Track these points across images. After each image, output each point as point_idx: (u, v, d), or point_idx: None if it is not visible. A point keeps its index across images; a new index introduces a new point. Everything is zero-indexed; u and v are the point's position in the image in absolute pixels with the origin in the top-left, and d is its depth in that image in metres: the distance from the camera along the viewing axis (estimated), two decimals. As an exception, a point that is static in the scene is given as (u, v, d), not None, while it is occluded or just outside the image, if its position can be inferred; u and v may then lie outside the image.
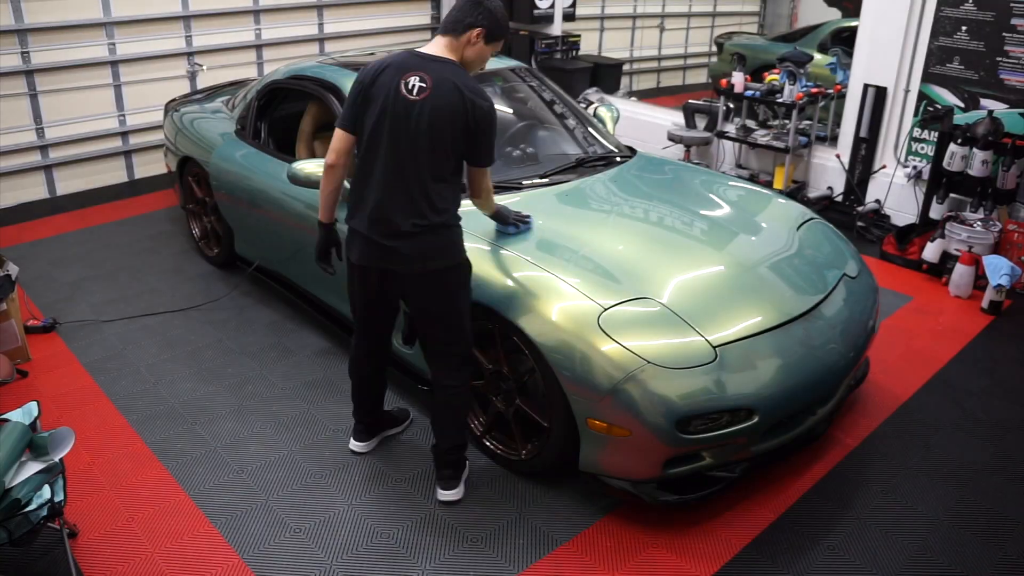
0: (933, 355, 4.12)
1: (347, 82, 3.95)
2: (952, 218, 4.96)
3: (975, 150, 4.85)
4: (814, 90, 5.91)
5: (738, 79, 6.17)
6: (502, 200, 3.57)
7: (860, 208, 5.68)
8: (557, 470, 3.10)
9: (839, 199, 5.91)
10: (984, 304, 4.60)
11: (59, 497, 2.53)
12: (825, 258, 3.47)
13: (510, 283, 2.98)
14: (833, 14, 10.19)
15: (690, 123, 6.81)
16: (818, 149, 6.07)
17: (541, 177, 3.79)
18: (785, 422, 2.96)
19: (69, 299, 4.63)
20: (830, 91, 6.06)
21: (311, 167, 3.61)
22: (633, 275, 3.05)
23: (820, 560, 2.80)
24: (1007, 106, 5.03)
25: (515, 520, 2.97)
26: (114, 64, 6.30)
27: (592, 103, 6.82)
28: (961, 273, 4.73)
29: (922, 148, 5.48)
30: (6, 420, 2.55)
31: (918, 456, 3.35)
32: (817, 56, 8.31)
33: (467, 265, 2.89)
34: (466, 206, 3.48)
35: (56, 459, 2.50)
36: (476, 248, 3.17)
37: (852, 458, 3.33)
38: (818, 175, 6.06)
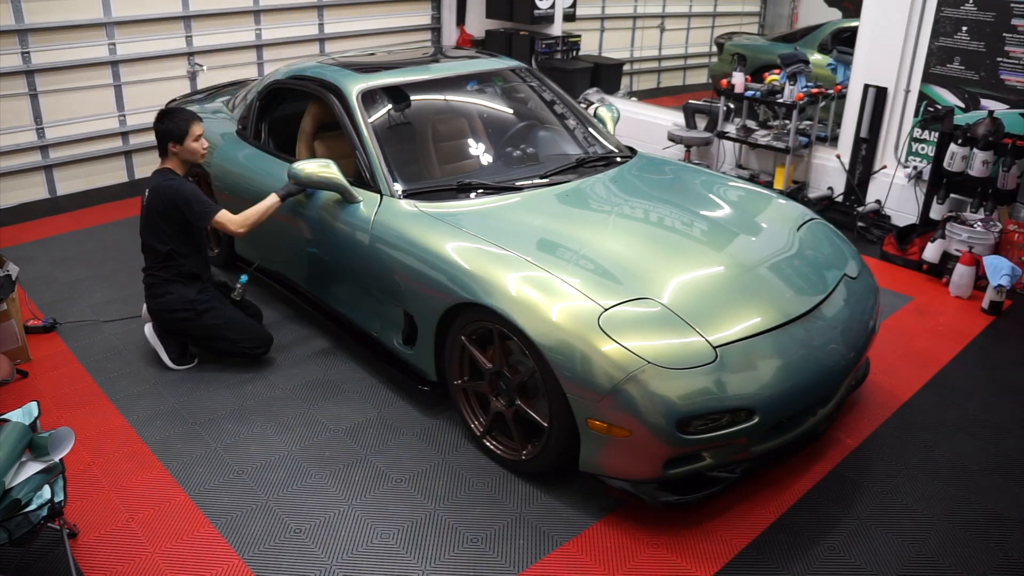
0: (933, 355, 4.12)
1: (347, 82, 3.96)
2: (952, 218, 4.96)
3: (975, 150, 4.84)
4: (814, 90, 5.91)
5: (738, 79, 6.17)
6: (501, 200, 3.58)
7: (860, 208, 5.68)
8: (557, 470, 3.10)
9: (839, 199, 5.91)
10: (984, 304, 4.60)
11: (59, 497, 2.53)
12: (825, 258, 3.47)
13: (510, 283, 2.98)
14: (834, 14, 10.20)
15: (690, 123, 6.80)
16: (818, 149, 6.07)
17: (541, 177, 3.79)
18: (785, 423, 2.96)
19: (69, 299, 4.63)
20: (830, 91, 6.06)
21: (312, 167, 3.63)
22: (633, 275, 3.05)
23: (820, 560, 2.80)
24: (1007, 106, 5.03)
25: (515, 520, 2.97)
26: (114, 64, 6.30)
27: (592, 103, 6.84)
28: (961, 273, 4.72)
29: (922, 148, 5.48)
30: (6, 420, 2.55)
31: (918, 456, 3.35)
32: (817, 56, 8.33)
33: None
34: (472, 205, 3.50)
35: (56, 459, 2.49)
36: (477, 248, 3.18)
37: (852, 458, 3.32)
38: (818, 175, 6.06)
